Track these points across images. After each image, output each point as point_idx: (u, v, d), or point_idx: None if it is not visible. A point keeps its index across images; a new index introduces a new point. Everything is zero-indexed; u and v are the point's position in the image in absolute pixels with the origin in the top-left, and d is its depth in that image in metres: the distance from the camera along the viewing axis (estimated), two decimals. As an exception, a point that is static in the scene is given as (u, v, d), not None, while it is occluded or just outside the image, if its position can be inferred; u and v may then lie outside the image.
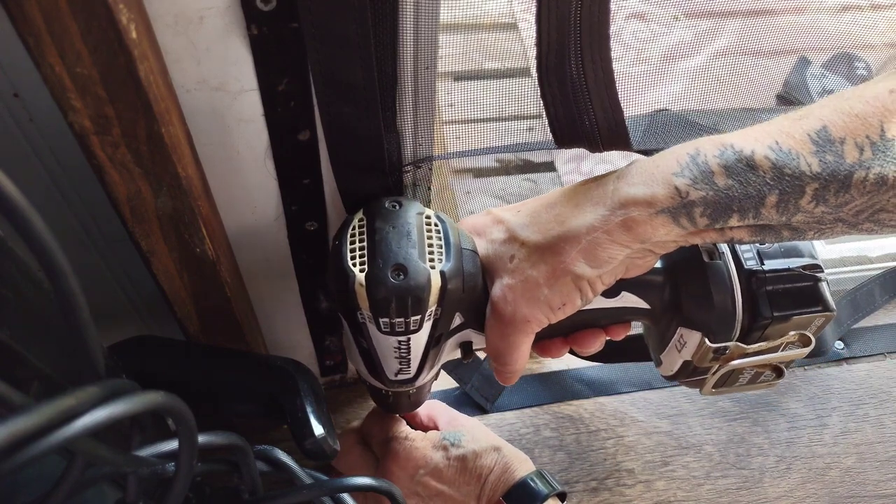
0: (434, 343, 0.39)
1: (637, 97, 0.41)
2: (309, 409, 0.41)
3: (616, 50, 0.34)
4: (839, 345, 0.72)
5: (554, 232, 0.36)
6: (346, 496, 0.35)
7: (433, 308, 0.37)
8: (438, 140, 0.41)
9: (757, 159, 0.32)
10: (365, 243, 0.37)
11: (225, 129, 0.35)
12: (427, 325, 0.37)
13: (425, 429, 0.55)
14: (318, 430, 0.40)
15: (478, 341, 0.42)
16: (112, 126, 0.28)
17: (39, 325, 0.24)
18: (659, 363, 0.47)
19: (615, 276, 0.37)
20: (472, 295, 0.38)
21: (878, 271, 0.75)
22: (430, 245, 0.37)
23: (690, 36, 1.09)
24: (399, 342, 0.38)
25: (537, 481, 0.48)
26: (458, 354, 0.44)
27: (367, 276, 0.35)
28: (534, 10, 0.33)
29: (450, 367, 0.64)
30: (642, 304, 0.42)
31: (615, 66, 0.35)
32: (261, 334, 0.51)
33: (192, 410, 0.24)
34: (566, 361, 0.68)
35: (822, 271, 0.41)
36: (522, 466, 0.49)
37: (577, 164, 0.97)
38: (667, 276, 0.42)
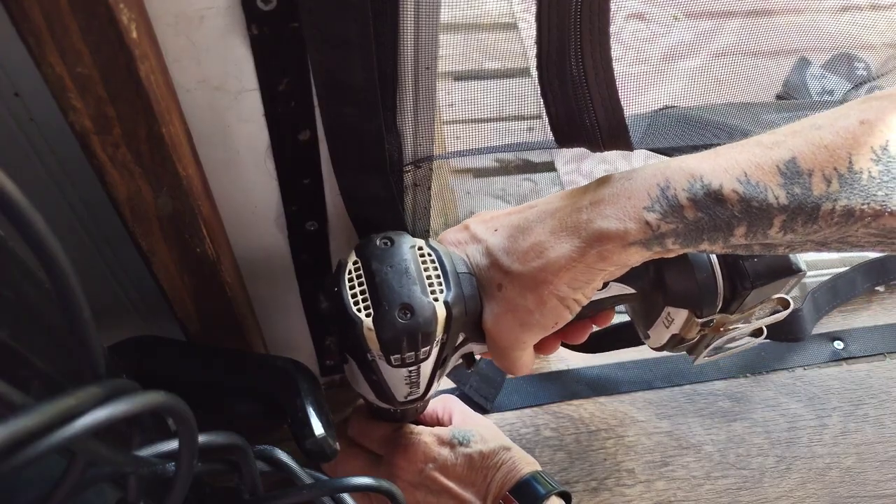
0: (441, 364, 0.40)
1: (637, 97, 0.42)
2: (309, 409, 0.41)
3: (616, 50, 0.34)
4: (839, 344, 0.72)
5: (535, 264, 0.36)
6: (346, 496, 0.35)
7: (440, 336, 0.37)
8: (438, 140, 0.41)
9: (725, 193, 0.32)
10: (365, 286, 0.37)
11: (225, 129, 0.35)
12: (435, 352, 0.38)
13: (438, 421, 0.55)
14: (318, 430, 0.40)
15: (478, 350, 0.43)
16: (112, 126, 0.28)
17: (39, 325, 0.24)
18: (646, 337, 0.49)
19: (598, 288, 0.38)
20: (473, 315, 0.39)
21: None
22: (429, 277, 0.37)
23: (690, 36, 1.09)
24: (409, 371, 0.39)
25: (540, 480, 0.48)
26: (460, 362, 0.44)
27: (374, 321, 0.36)
28: (534, 9, 0.33)
29: (449, 367, 0.64)
30: (628, 290, 0.43)
31: (615, 66, 0.35)
32: (261, 334, 0.51)
33: (192, 410, 0.24)
34: (566, 361, 0.68)
35: None
36: (529, 466, 0.49)
37: (577, 164, 0.97)
38: (649, 261, 0.43)
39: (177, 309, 0.40)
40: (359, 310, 0.36)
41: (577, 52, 0.34)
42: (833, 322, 0.74)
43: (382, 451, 0.52)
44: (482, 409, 0.64)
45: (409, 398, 0.42)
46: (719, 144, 0.36)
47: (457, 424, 0.53)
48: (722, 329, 0.44)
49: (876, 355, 0.72)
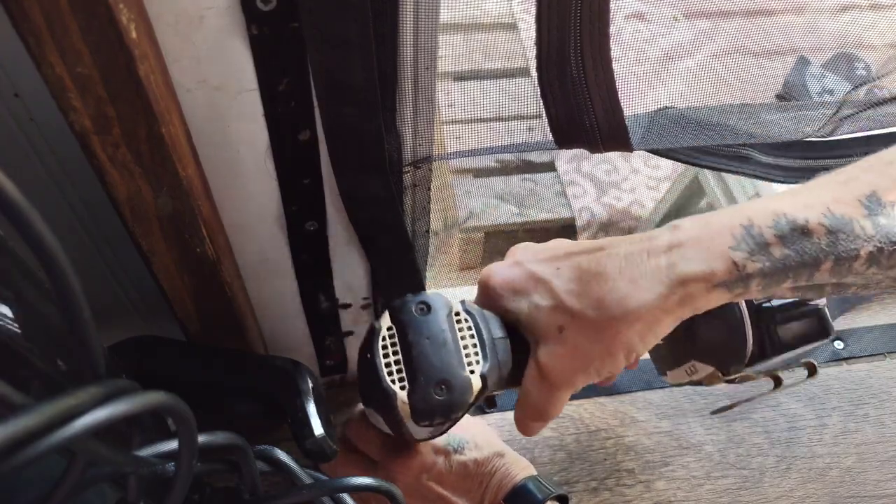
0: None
1: (637, 98, 0.42)
2: (309, 409, 0.41)
3: (616, 50, 0.34)
4: (839, 344, 0.72)
5: (613, 312, 0.35)
6: (346, 496, 0.35)
7: (471, 403, 0.37)
8: (438, 140, 0.41)
9: (811, 227, 0.32)
10: (400, 357, 0.37)
11: (225, 129, 0.35)
12: (465, 414, 0.38)
13: None
14: (318, 430, 0.40)
15: (500, 394, 0.43)
16: (112, 126, 0.28)
17: (39, 325, 0.24)
18: (664, 374, 0.48)
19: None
20: (502, 381, 0.39)
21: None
22: (466, 347, 0.37)
23: (690, 36, 1.09)
24: (435, 429, 0.39)
25: (536, 484, 0.48)
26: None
27: (410, 395, 0.36)
28: (534, 10, 0.33)
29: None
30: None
31: (615, 66, 0.35)
32: (261, 334, 0.51)
33: (192, 410, 0.24)
34: (566, 361, 0.68)
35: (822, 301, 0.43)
36: (524, 471, 0.49)
37: (577, 164, 0.97)
38: None
39: (177, 309, 0.40)
40: (393, 381, 0.36)
41: (577, 54, 0.34)
42: (833, 322, 0.74)
43: (378, 457, 0.52)
44: (482, 409, 0.64)
45: (427, 436, 0.42)
46: (721, 145, 0.36)
47: (450, 431, 0.53)
48: (744, 381, 0.44)
49: (876, 355, 0.72)
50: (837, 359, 0.71)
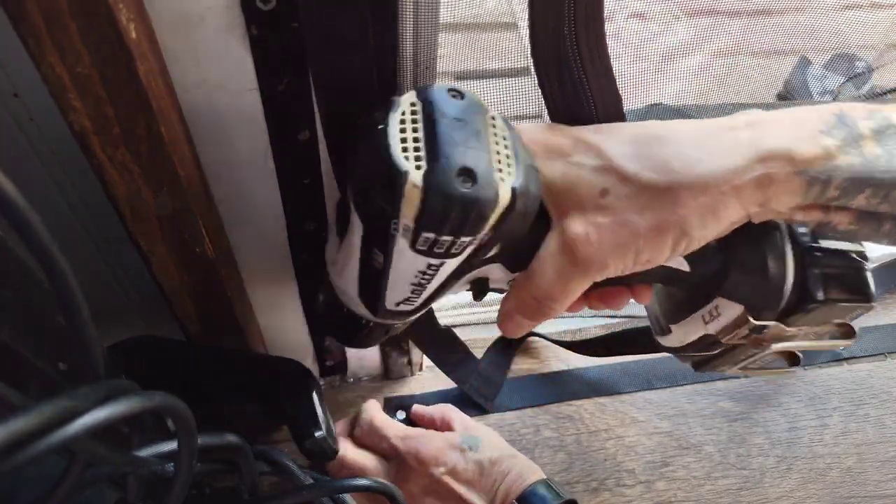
0: (459, 273, 0.33)
1: (637, 98, 0.42)
2: (309, 410, 0.41)
3: (616, 50, 0.34)
4: (839, 345, 0.72)
5: (677, 176, 0.29)
6: (346, 496, 0.35)
7: (487, 230, 0.29)
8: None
9: None
10: (422, 134, 0.28)
11: (225, 129, 0.35)
12: (469, 251, 0.31)
13: (437, 429, 0.55)
14: (318, 430, 0.40)
15: (495, 279, 0.36)
16: (112, 126, 0.28)
17: (39, 325, 0.24)
18: (665, 332, 0.42)
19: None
20: (524, 224, 0.31)
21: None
22: (499, 153, 0.29)
23: (690, 35, 1.09)
24: (429, 265, 0.31)
25: (547, 489, 0.49)
26: (465, 291, 0.38)
27: (425, 177, 0.27)
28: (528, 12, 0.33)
29: (449, 368, 0.64)
30: (683, 267, 0.37)
31: (615, 66, 0.35)
32: (261, 334, 0.51)
33: (192, 410, 0.24)
34: (566, 361, 0.68)
35: (868, 261, 0.37)
36: (534, 475, 0.50)
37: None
38: (719, 240, 0.35)
39: (177, 309, 0.40)
40: (407, 158, 0.28)
41: (577, 55, 0.34)
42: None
43: (392, 454, 0.52)
44: (482, 410, 0.64)
45: (400, 307, 0.34)
46: None
47: (458, 432, 0.53)
48: (764, 343, 0.38)
49: (877, 355, 0.72)
50: (838, 359, 0.71)
